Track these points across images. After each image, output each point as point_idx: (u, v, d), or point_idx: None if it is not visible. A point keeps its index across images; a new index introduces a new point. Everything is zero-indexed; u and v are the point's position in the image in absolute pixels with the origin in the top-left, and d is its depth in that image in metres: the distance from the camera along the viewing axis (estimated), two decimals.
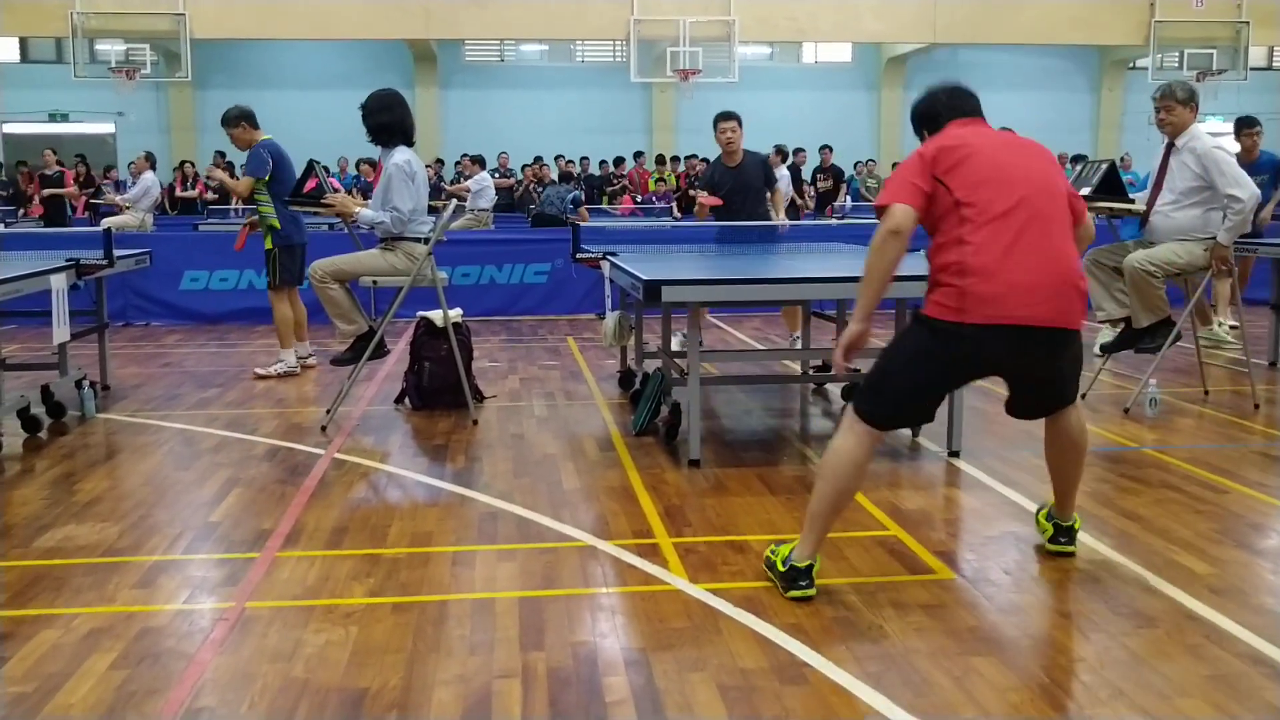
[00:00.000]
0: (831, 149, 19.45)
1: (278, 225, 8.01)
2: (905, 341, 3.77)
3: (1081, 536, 4.29)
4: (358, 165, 19.87)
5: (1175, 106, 6.50)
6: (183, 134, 24.43)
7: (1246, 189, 6.24)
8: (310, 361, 8.39)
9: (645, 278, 5.20)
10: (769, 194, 8.43)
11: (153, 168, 16.02)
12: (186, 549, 4.26)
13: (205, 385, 7.77)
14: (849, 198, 19.79)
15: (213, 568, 4.07)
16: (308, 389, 7.60)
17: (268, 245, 8.08)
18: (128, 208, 15.18)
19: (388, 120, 6.49)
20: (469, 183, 16.34)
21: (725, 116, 8.35)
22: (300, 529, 4.48)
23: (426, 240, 6.46)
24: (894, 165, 17.36)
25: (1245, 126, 9.66)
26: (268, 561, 4.09)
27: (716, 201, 8.31)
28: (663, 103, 24.96)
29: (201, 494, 5.01)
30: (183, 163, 21.23)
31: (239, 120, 8.16)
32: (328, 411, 6.51)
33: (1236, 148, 9.33)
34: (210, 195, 19.94)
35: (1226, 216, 6.28)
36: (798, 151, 19.05)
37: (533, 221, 14.83)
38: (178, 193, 20.36)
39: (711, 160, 8.47)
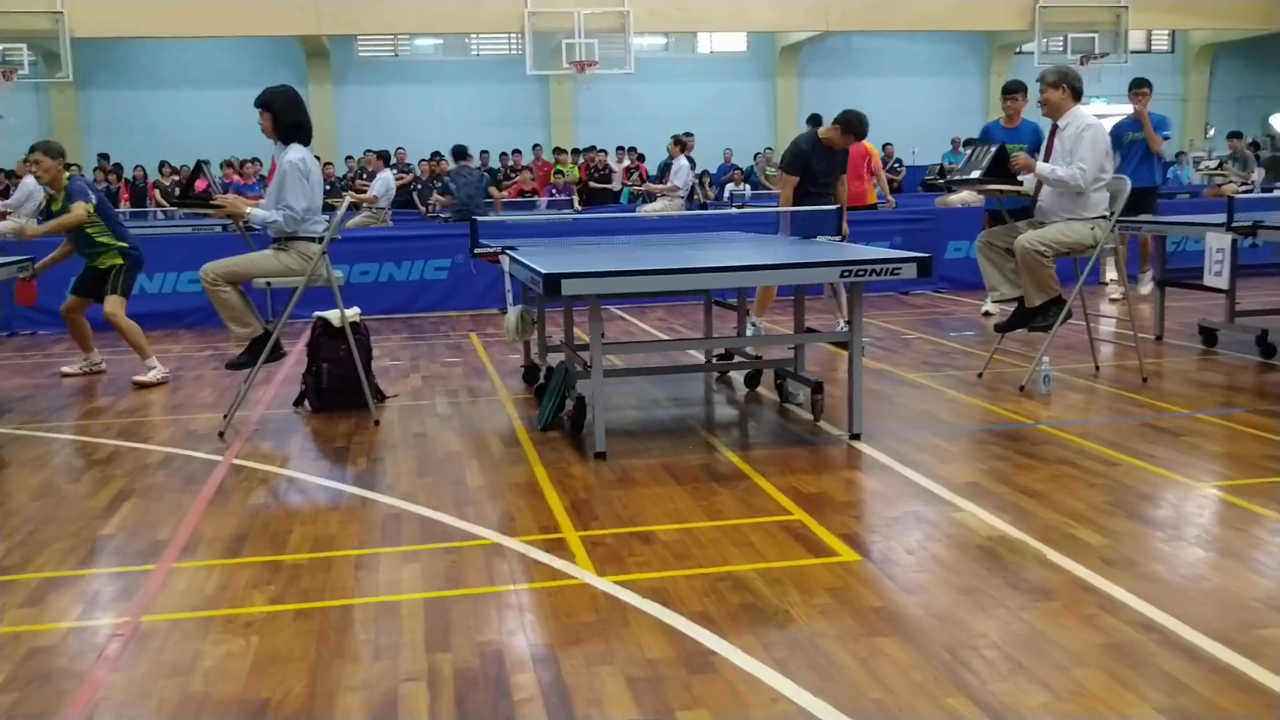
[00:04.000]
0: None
1: (126, 245, 8.08)
2: None
3: (981, 513, 4.38)
4: (224, 166, 18.79)
5: (1046, 89, 6.73)
6: (67, 136, 23.61)
7: (1088, 176, 6.44)
8: (102, 367, 8.35)
9: (544, 271, 5.17)
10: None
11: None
12: (79, 564, 4.13)
13: (96, 395, 7.55)
14: (748, 186, 19.93)
15: (106, 582, 3.95)
16: (204, 394, 7.42)
17: (116, 262, 8.02)
18: (9, 213, 14.66)
19: (303, 120, 6.41)
20: (374, 186, 15.81)
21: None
22: (198, 538, 4.37)
23: (321, 239, 6.35)
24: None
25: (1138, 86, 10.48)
26: (164, 573, 3.98)
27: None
28: (560, 95, 24.88)
29: (93, 506, 4.86)
30: (67, 165, 20.57)
31: (61, 153, 8.35)
32: (225, 416, 6.37)
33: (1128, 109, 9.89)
34: None
35: (1069, 168, 6.46)
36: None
37: (455, 217, 14.24)
38: None
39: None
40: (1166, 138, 9.88)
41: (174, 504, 4.85)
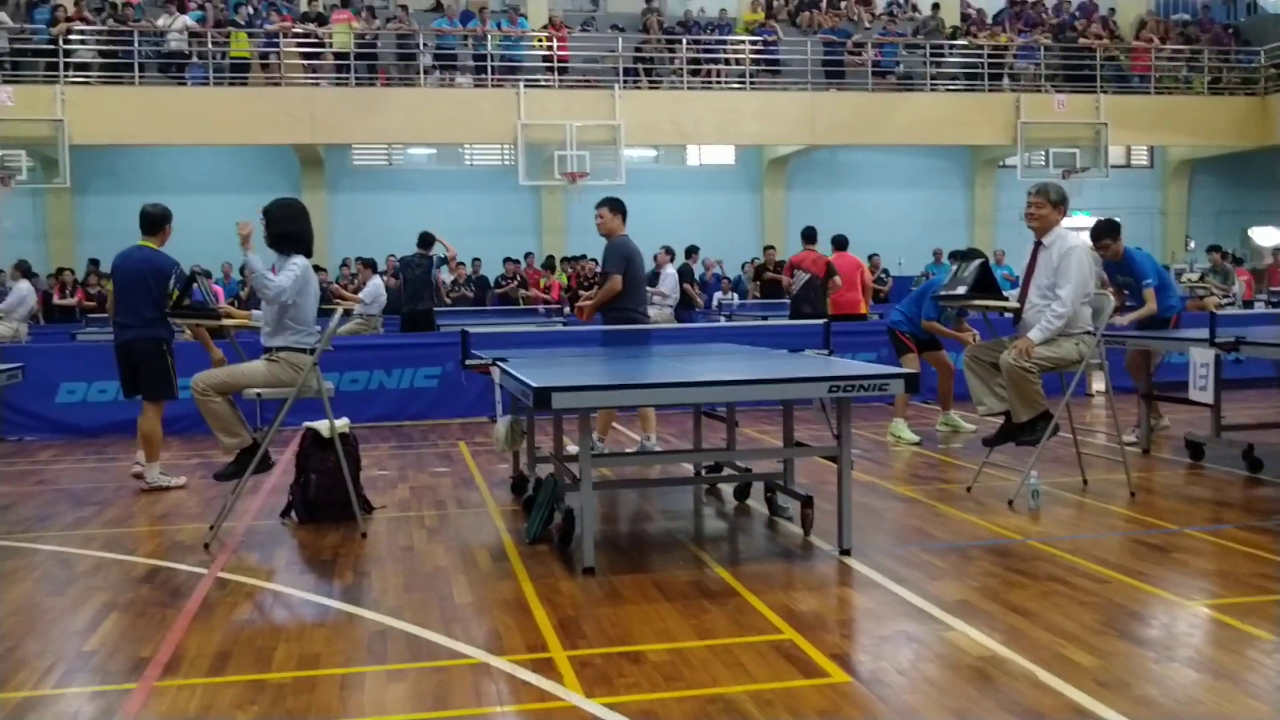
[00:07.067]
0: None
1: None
2: None
3: (972, 632, 4.35)
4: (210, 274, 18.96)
5: (1045, 205, 6.82)
6: (60, 240, 23.81)
7: (1072, 301, 6.54)
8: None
9: (535, 385, 5.19)
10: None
11: (26, 276, 15.62)
12: (58, 682, 4.06)
13: (82, 503, 7.49)
14: (735, 294, 20.09)
15: (86, 701, 3.88)
16: (190, 504, 7.37)
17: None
18: (1, 318, 14.72)
19: (293, 230, 6.52)
20: (363, 294, 15.66)
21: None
22: (181, 655, 4.31)
23: (312, 351, 6.38)
24: (779, 263, 17.75)
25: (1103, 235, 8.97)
26: (145, 692, 3.92)
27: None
28: (552, 204, 25.18)
29: (76, 621, 4.80)
30: (60, 270, 20.71)
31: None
32: (211, 528, 6.32)
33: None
34: (89, 303, 19.46)
35: (1047, 313, 6.57)
36: (691, 251, 19.32)
37: (405, 324, 13.78)
38: (55, 300, 19.82)
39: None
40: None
41: (158, 619, 4.79)
